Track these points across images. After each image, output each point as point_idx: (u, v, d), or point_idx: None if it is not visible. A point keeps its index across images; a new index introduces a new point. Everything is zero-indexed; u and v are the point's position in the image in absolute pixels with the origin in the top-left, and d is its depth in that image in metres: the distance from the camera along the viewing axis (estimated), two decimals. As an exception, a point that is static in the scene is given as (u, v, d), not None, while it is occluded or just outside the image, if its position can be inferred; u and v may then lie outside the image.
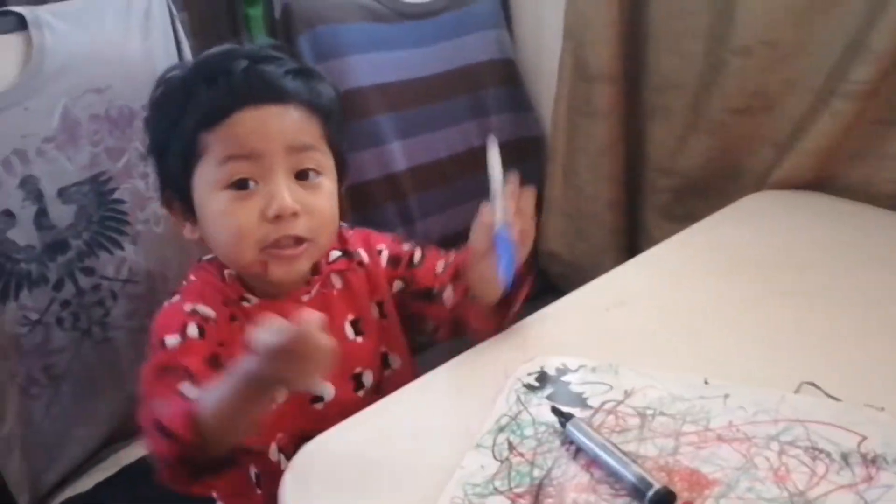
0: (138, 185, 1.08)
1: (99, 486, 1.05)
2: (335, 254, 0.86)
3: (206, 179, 0.77)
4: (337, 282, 0.85)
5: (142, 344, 1.09)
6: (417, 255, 0.90)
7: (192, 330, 0.75)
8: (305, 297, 0.82)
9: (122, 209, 1.07)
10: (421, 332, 0.90)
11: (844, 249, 0.96)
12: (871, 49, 0.99)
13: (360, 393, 0.83)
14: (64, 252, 1.03)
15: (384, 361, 0.86)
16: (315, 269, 0.83)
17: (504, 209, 0.74)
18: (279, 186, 0.75)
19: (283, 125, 0.76)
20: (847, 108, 1.03)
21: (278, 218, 0.75)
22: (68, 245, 1.03)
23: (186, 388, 0.69)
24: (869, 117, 1.05)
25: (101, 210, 1.05)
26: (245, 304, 0.80)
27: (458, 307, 0.83)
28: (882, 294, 0.86)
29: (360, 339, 0.84)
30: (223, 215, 0.76)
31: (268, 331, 0.59)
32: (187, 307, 0.77)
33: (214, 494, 0.85)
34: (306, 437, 0.78)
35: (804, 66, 1.08)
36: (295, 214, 0.75)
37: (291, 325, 0.58)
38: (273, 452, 0.80)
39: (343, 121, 0.84)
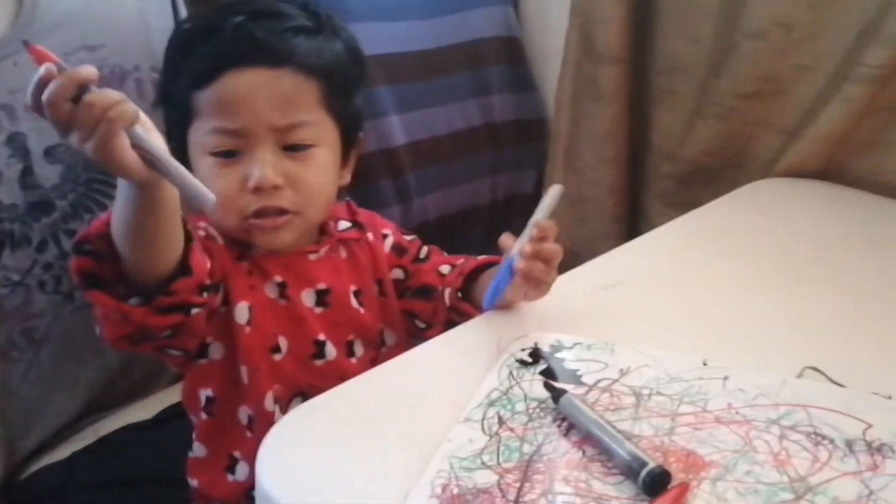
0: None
1: (76, 456, 1.02)
2: (345, 223, 0.84)
3: (198, 141, 0.76)
4: (342, 251, 0.84)
5: (125, 311, 1.08)
6: (424, 251, 0.89)
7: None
8: (313, 256, 0.81)
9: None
10: (409, 330, 0.88)
11: (852, 238, 0.94)
12: (887, 32, 0.96)
13: (353, 360, 0.81)
14: (48, 213, 1.00)
15: (381, 338, 0.85)
16: (324, 231, 0.82)
17: (522, 243, 0.72)
18: (262, 158, 0.73)
19: (272, 97, 0.73)
20: (859, 93, 1.00)
21: (258, 190, 0.73)
22: (53, 206, 1.00)
23: None
24: (880, 105, 1.03)
25: (89, 171, 1.02)
26: (253, 253, 0.79)
27: (457, 306, 0.81)
28: (890, 283, 0.84)
29: (362, 311, 0.83)
30: (209, 180, 0.74)
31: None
32: (201, 223, 0.76)
33: (191, 461, 0.83)
34: (303, 392, 0.78)
35: (818, 50, 1.05)
36: (277, 187, 0.73)
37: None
38: (269, 402, 0.78)
39: (358, 78, 0.81)
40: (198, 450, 0.83)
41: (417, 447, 0.60)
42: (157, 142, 0.57)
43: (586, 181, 1.32)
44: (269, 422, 0.76)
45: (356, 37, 0.82)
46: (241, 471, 0.80)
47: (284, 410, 0.78)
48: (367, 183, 1.21)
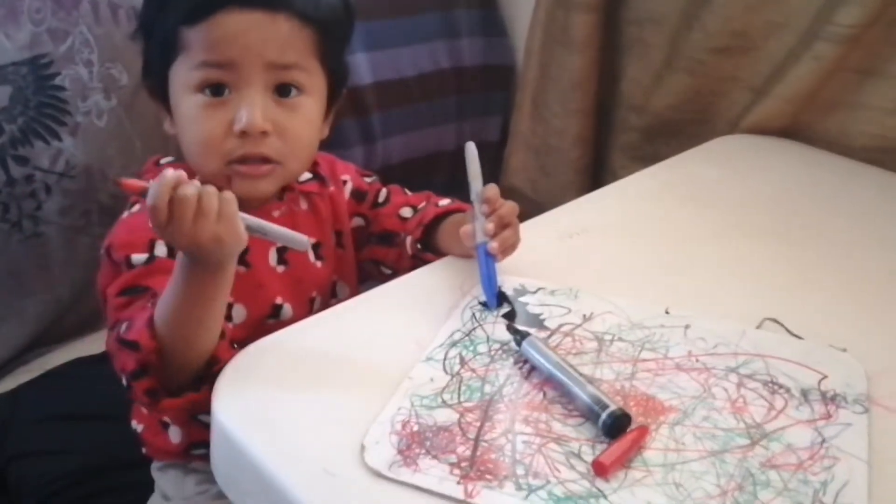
0: (81, 72, 1.01)
1: (21, 388, 1.00)
2: (306, 175, 0.81)
3: (182, 79, 0.71)
4: (303, 203, 0.81)
5: (76, 244, 1.04)
6: (383, 194, 0.86)
7: (161, 249, 0.69)
8: (276, 213, 0.77)
9: (61, 97, 1.00)
10: (373, 274, 0.86)
11: (815, 196, 0.95)
12: (861, -9, 0.96)
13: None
14: (-5, 137, 0.96)
15: (333, 290, 0.83)
16: (285, 187, 0.79)
17: (483, 227, 0.71)
18: (251, 100, 0.69)
19: (267, 37, 0.69)
20: (829, 52, 1.00)
21: (245, 134, 0.70)
22: (1, 129, 0.96)
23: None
24: (849, 65, 1.03)
25: (39, 95, 0.98)
26: None
27: (419, 255, 0.80)
28: (849, 240, 0.85)
29: (319, 264, 0.80)
30: (192, 121, 0.71)
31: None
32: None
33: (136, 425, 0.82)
34: None
35: (790, 7, 1.05)
36: (264, 133, 0.70)
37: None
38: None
39: (349, 34, 0.78)
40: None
41: (378, 385, 0.60)
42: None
43: (552, 130, 1.31)
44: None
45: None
46: (174, 433, 0.78)
47: None
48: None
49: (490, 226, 0.71)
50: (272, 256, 0.77)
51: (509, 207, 0.73)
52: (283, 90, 0.71)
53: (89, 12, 1.01)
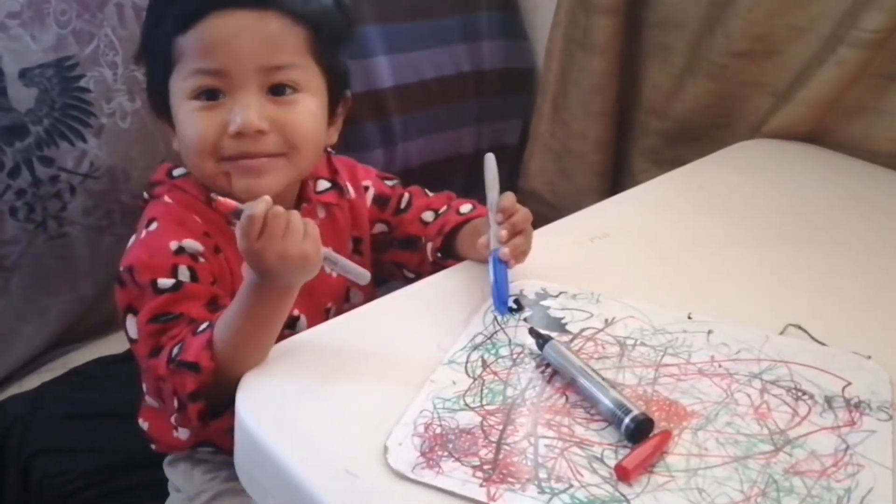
0: (106, 74, 1.02)
1: (44, 386, 1.01)
2: (324, 184, 0.81)
3: (178, 87, 0.72)
4: (321, 211, 0.81)
5: (99, 244, 1.05)
6: (405, 199, 0.86)
7: (184, 273, 0.69)
8: None
9: (86, 98, 1.01)
10: (396, 276, 0.87)
11: (838, 201, 0.94)
12: (886, -4, 0.95)
13: None
14: (22, 138, 0.97)
15: (346, 296, 0.83)
16: (302, 197, 0.79)
17: (497, 235, 0.72)
18: (245, 102, 0.69)
19: (257, 39, 0.69)
20: (853, 57, 0.99)
21: (240, 135, 0.69)
22: (27, 130, 0.97)
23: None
24: (873, 70, 1.02)
25: (65, 97, 0.99)
26: (232, 226, 0.73)
27: (439, 263, 0.80)
28: (873, 246, 0.84)
29: (334, 275, 0.79)
30: (187, 125, 0.71)
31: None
32: (173, 245, 0.70)
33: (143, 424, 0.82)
34: None
35: (814, 11, 1.04)
36: (261, 132, 0.70)
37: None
38: None
39: (345, 31, 0.78)
40: (149, 399, 0.80)
41: (400, 387, 0.60)
42: None
43: (572, 134, 1.31)
44: None
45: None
46: (183, 434, 0.77)
47: None
48: (350, 124, 1.18)
49: (503, 233, 0.71)
50: None
51: (522, 215, 0.73)
52: (277, 90, 0.71)
53: (114, 14, 1.02)
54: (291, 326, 0.76)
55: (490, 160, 0.75)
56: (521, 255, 0.73)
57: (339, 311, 0.80)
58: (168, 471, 0.85)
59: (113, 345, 1.07)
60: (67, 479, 0.92)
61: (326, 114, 0.76)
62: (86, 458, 0.93)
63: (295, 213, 0.61)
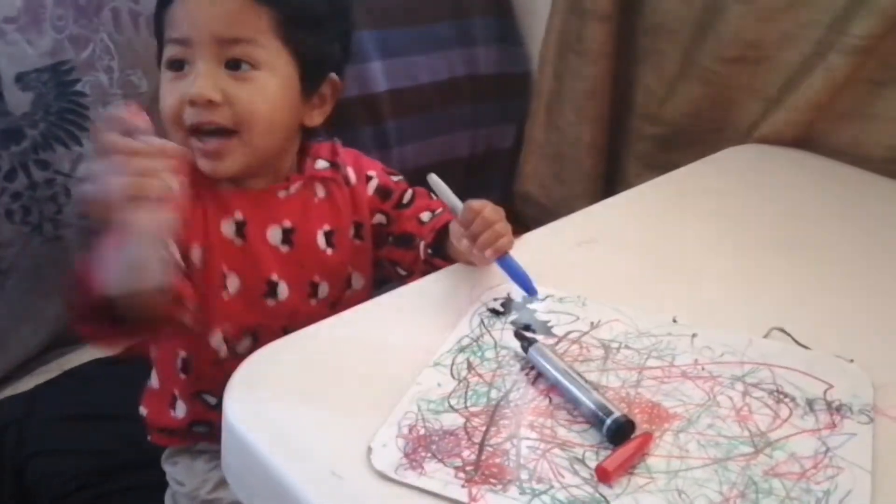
0: (102, 79, 1.03)
1: (40, 388, 1.02)
2: (323, 163, 0.83)
3: (162, 61, 0.76)
4: (320, 191, 0.82)
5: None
6: (408, 195, 0.87)
7: None
8: (282, 193, 0.79)
9: (82, 102, 1.02)
10: (390, 274, 0.88)
11: (826, 207, 0.95)
12: (875, 2, 0.96)
13: (313, 302, 0.81)
14: (18, 141, 0.98)
15: (348, 280, 0.84)
16: (299, 170, 0.81)
17: (465, 248, 0.73)
18: (200, 71, 0.72)
19: (216, 12, 0.72)
20: (843, 63, 1.00)
21: (193, 103, 0.72)
22: (23, 134, 0.98)
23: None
24: (863, 76, 1.03)
25: (61, 101, 1.00)
26: (219, 188, 0.77)
27: (430, 261, 0.81)
28: (859, 251, 0.85)
29: (329, 251, 0.81)
30: (161, 95, 0.75)
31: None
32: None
33: (143, 411, 0.84)
34: (253, 332, 0.78)
35: (804, 18, 1.05)
36: (212, 102, 0.72)
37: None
38: (216, 340, 0.77)
39: (325, 14, 0.78)
40: (153, 380, 0.84)
41: (386, 390, 0.60)
42: None
43: (566, 139, 1.32)
44: (212, 360, 0.77)
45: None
46: (180, 408, 0.81)
47: (233, 350, 0.77)
48: (346, 128, 1.19)
49: (465, 241, 0.72)
50: (274, 235, 0.78)
51: (482, 217, 0.72)
52: (234, 64, 0.73)
53: (110, 20, 1.03)
54: (273, 293, 0.78)
55: (434, 179, 0.76)
56: (496, 250, 0.72)
57: (336, 293, 0.82)
58: (168, 468, 0.86)
59: (108, 347, 1.07)
60: (63, 480, 0.92)
61: (293, 95, 0.77)
62: (81, 460, 0.94)
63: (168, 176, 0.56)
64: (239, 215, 0.77)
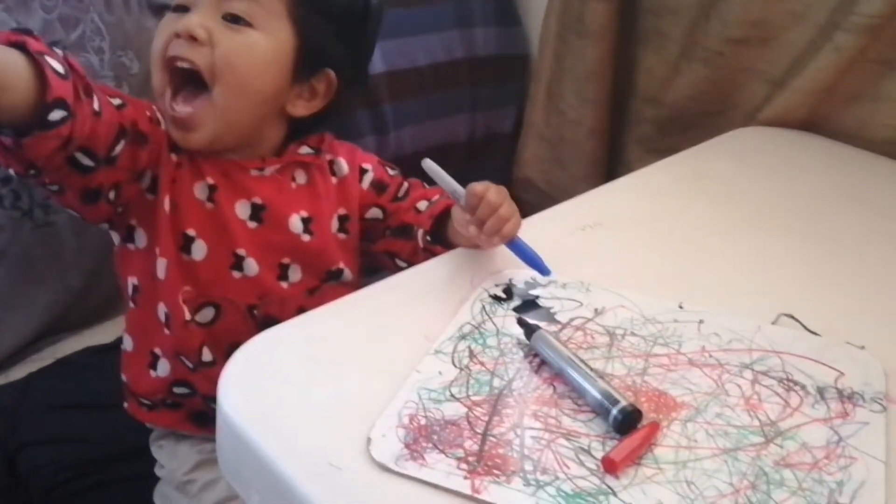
0: (93, 60, 1.01)
1: (32, 376, 1.00)
2: (306, 149, 0.82)
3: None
4: (301, 177, 0.81)
5: (87, 233, 1.04)
6: (403, 188, 0.86)
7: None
8: (254, 172, 0.78)
9: (73, 84, 0.99)
10: (389, 266, 0.86)
11: (833, 190, 0.93)
12: (884, -20, 0.94)
13: (284, 285, 0.79)
14: (7, 125, 0.95)
15: (330, 271, 0.82)
16: (278, 153, 0.80)
17: (472, 234, 0.71)
18: (197, 11, 0.73)
19: None
20: (850, 43, 0.98)
21: (178, 36, 0.72)
22: (12, 117, 0.95)
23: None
24: (870, 57, 1.00)
25: (51, 83, 0.97)
26: (197, 156, 0.77)
27: (429, 248, 0.79)
28: (868, 235, 0.83)
29: (306, 238, 0.80)
30: (156, 33, 0.75)
31: None
32: (153, 106, 0.75)
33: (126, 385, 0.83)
34: (216, 303, 0.77)
35: (811, -4, 1.03)
36: (195, 39, 0.72)
37: None
38: (178, 301, 0.76)
39: (343, 11, 0.77)
40: (127, 343, 0.83)
41: (385, 378, 0.59)
42: None
43: (566, 122, 1.30)
44: (180, 321, 0.76)
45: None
46: (162, 367, 0.80)
47: (193, 315, 0.76)
48: (343, 112, 1.17)
49: (472, 229, 0.70)
50: (243, 210, 0.77)
51: (487, 201, 0.70)
52: (231, 18, 0.73)
53: (100, 0, 1.00)
54: (239, 267, 0.77)
55: (429, 165, 0.73)
56: (503, 235, 0.70)
57: (318, 284, 0.81)
58: (155, 451, 0.86)
59: (101, 335, 1.06)
60: (55, 469, 0.91)
61: (280, 71, 0.76)
62: (73, 449, 0.93)
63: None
64: (210, 180, 0.76)
